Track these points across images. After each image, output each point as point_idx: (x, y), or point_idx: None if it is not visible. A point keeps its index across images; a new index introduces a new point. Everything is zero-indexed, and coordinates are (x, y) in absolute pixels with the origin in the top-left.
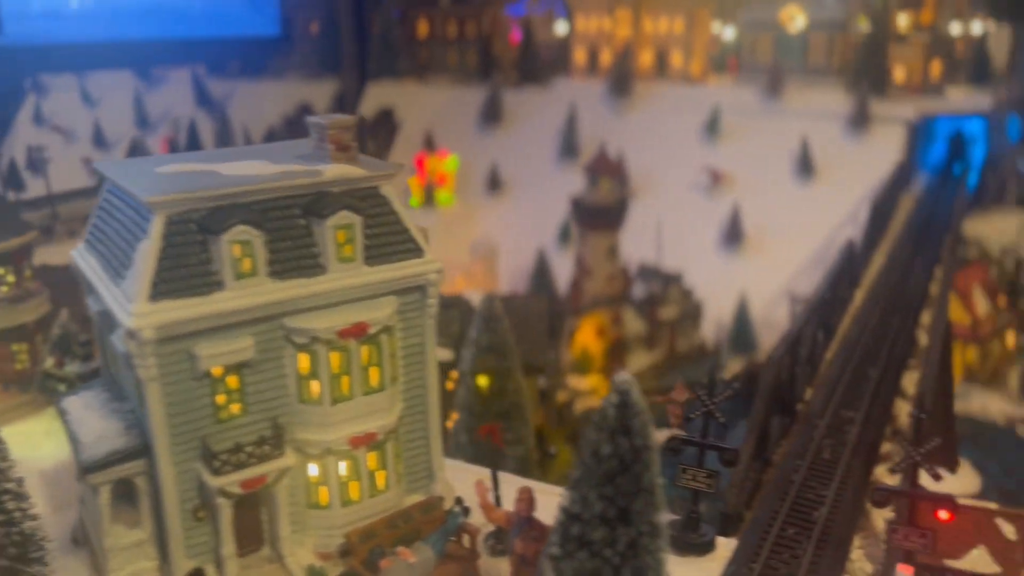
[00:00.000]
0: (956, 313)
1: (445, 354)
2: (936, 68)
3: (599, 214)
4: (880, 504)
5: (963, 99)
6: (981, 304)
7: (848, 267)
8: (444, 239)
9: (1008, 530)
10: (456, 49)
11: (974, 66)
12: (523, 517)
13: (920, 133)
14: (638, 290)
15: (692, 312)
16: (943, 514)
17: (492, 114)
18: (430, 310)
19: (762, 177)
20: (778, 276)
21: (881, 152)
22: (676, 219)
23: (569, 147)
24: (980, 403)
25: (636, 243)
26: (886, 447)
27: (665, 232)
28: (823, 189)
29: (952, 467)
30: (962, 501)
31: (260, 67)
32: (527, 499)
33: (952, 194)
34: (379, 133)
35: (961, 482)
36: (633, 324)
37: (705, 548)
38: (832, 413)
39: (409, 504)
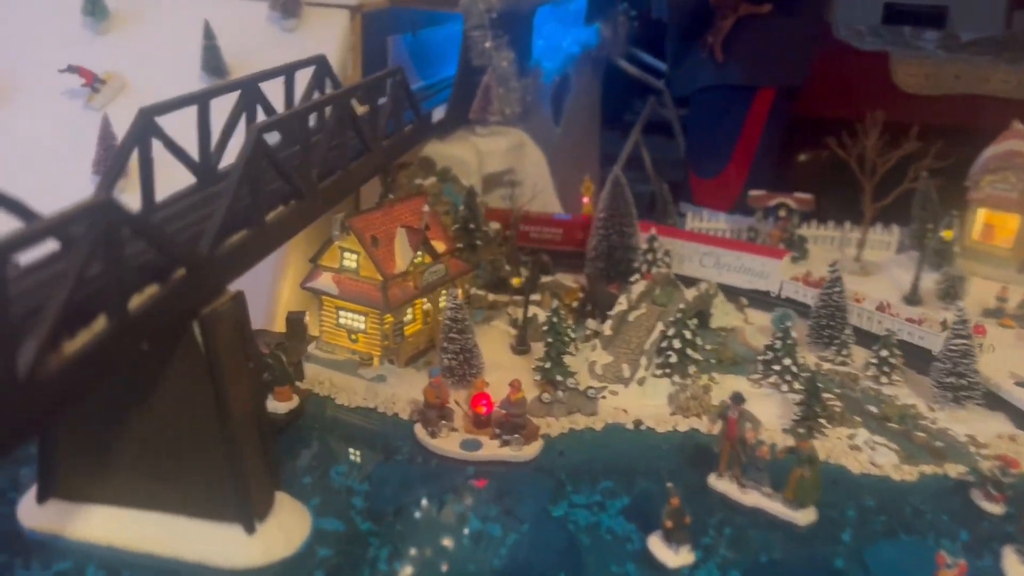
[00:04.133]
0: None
1: None
2: None
3: None
4: None
5: None
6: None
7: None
8: None
9: None
10: None
11: None
12: None
13: (384, 25)
14: None
15: None
16: None
17: None
18: None
19: (162, 78)
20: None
21: (315, 46)
22: (48, 135)
23: None
24: None
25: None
26: None
27: (32, 152)
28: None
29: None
30: None
31: None
32: None
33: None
34: None
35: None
36: None
37: None
38: None
39: None
